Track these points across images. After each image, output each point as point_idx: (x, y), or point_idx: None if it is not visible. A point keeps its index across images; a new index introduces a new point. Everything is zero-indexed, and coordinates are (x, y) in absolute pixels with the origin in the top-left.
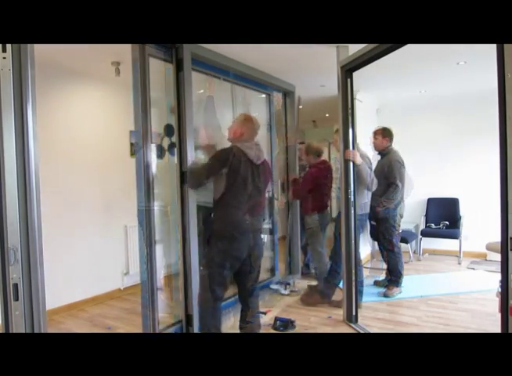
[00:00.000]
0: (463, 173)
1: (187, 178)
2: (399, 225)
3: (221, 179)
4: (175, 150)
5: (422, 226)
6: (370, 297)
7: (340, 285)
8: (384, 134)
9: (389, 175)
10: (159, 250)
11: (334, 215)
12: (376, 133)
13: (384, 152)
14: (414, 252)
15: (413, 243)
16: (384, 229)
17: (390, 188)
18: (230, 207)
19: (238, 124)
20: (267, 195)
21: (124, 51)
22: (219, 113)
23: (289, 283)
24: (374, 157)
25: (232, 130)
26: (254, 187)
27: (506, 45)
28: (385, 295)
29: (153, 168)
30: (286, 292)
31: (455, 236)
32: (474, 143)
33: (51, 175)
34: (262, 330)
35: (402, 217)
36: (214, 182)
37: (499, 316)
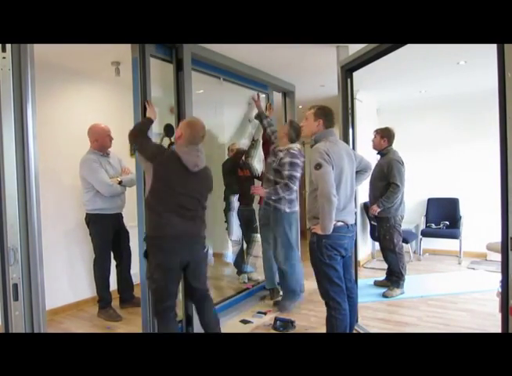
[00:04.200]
0: (463, 173)
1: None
2: (400, 226)
3: (148, 176)
4: None
5: (422, 226)
6: (370, 297)
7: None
8: (382, 134)
9: (389, 174)
10: None
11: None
12: (376, 132)
13: (383, 152)
14: (414, 252)
15: (413, 243)
16: (385, 230)
17: (390, 188)
18: (153, 212)
19: (181, 126)
20: None
21: (124, 51)
22: (220, 114)
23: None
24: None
25: (176, 130)
26: (186, 195)
27: (506, 45)
28: (385, 296)
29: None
30: (281, 293)
31: (455, 236)
32: (474, 143)
33: (50, 175)
34: (262, 331)
35: (402, 218)
36: (145, 172)
37: (499, 316)
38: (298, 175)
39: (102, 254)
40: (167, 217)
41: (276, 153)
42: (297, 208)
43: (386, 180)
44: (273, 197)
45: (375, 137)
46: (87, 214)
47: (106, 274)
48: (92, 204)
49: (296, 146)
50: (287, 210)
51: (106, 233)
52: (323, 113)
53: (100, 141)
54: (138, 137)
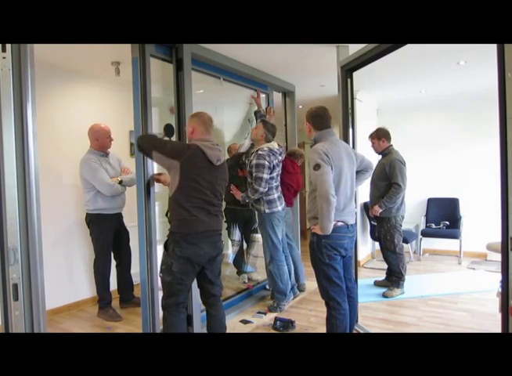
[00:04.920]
0: (463, 173)
1: (138, 141)
2: (401, 226)
3: (174, 173)
4: None
5: (422, 226)
6: (370, 297)
7: None
8: (378, 136)
9: (391, 174)
10: (159, 250)
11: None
12: (371, 137)
13: (385, 152)
14: (414, 252)
15: (413, 243)
16: (385, 230)
17: (391, 188)
18: (182, 209)
19: (190, 121)
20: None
21: (124, 51)
22: (220, 114)
23: None
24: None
25: (187, 128)
26: (212, 189)
27: (506, 45)
28: (385, 296)
29: (153, 168)
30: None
31: (455, 236)
32: (474, 143)
33: (50, 175)
34: (262, 331)
35: (403, 218)
36: (169, 173)
37: (499, 316)
38: (264, 176)
39: (103, 254)
40: (196, 213)
41: (251, 155)
42: (279, 208)
43: (387, 180)
44: (247, 200)
45: (373, 143)
46: (87, 214)
47: (106, 274)
48: (93, 204)
49: (267, 145)
50: (267, 211)
51: (106, 232)
52: (309, 116)
53: (100, 141)
54: (152, 139)
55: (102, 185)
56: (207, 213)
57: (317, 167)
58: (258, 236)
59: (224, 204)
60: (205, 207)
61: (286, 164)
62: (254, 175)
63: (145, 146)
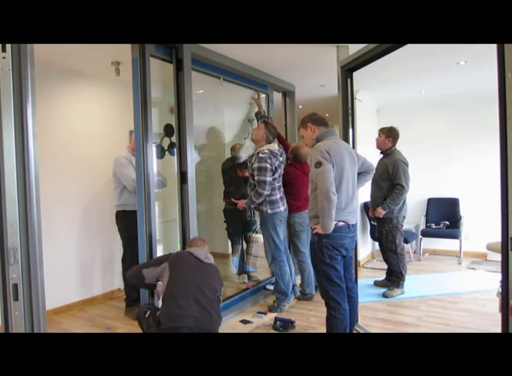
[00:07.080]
0: (463, 173)
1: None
2: (402, 226)
3: (164, 274)
4: (175, 150)
5: (422, 226)
6: (370, 297)
7: None
8: (388, 133)
9: (394, 175)
10: (159, 249)
11: None
12: (381, 131)
13: (388, 152)
14: (414, 252)
15: (414, 243)
16: (387, 231)
17: (395, 189)
18: (172, 302)
19: None
20: None
21: (124, 51)
22: (220, 114)
23: None
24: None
25: None
26: (203, 283)
27: (506, 45)
28: (385, 296)
29: (153, 168)
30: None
31: (455, 236)
32: (474, 143)
33: (50, 175)
34: (262, 331)
35: (404, 218)
36: (161, 277)
37: (499, 316)
38: (268, 179)
39: (129, 249)
40: (185, 306)
41: (251, 157)
42: (281, 209)
43: (390, 181)
44: (252, 206)
45: (379, 136)
46: (115, 211)
47: None
48: (118, 200)
49: (267, 147)
50: (269, 211)
51: (131, 227)
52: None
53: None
54: (136, 266)
55: (126, 179)
56: (199, 306)
57: (318, 164)
58: (258, 237)
59: (224, 204)
60: (198, 299)
61: (293, 173)
62: (256, 178)
63: (134, 274)
